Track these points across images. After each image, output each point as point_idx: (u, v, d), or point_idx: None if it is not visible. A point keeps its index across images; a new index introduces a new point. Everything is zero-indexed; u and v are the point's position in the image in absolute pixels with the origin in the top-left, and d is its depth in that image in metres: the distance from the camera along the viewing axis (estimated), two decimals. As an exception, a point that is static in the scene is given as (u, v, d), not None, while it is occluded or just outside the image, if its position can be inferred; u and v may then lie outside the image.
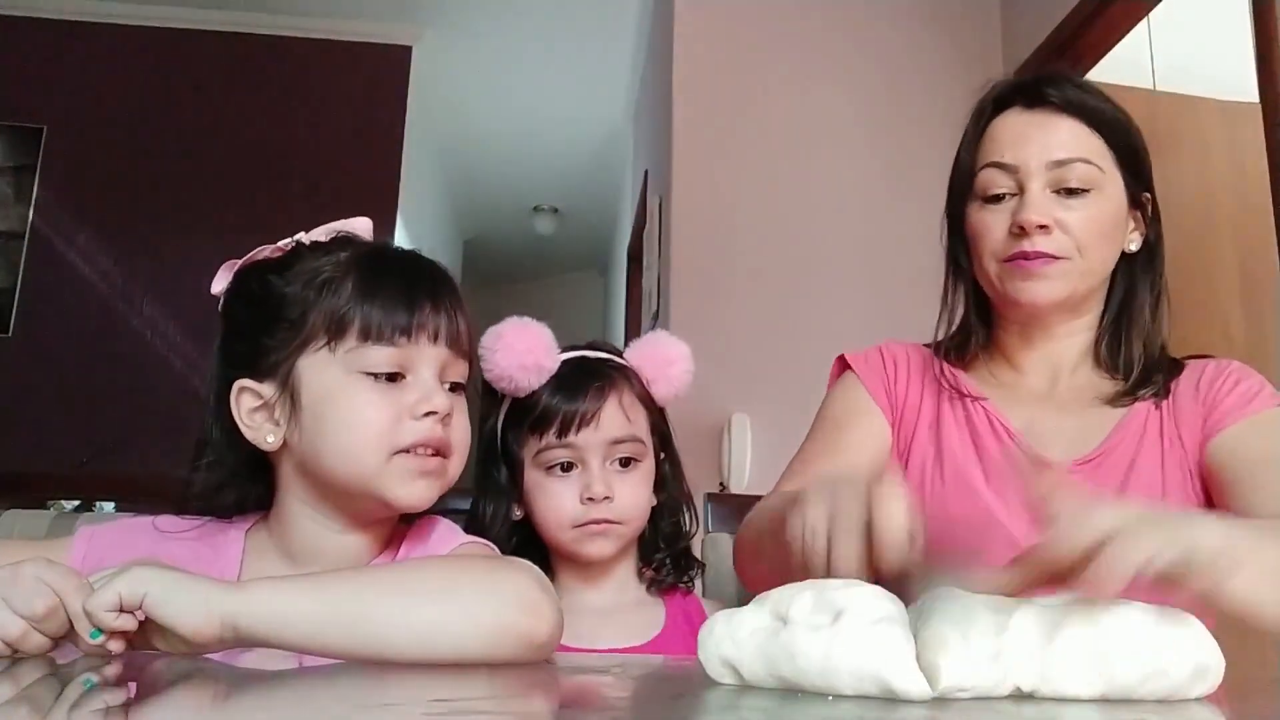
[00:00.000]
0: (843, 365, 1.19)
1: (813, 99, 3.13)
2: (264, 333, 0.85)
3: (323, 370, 0.83)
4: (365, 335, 0.83)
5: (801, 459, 1.12)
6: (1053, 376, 1.11)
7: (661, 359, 1.18)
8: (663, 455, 1.18)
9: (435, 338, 0.85)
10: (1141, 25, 2.66)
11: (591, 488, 1.09)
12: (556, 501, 1.10)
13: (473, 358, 0.91)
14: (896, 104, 3.13)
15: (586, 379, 1.12)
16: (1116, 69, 2.75)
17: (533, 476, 1.12)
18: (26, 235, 4.00)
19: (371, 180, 4.15)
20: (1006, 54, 3.10)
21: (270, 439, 0.85)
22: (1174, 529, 0.59)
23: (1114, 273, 1.09)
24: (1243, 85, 2.41)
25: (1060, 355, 1.10)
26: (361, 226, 0.93)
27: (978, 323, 1.14)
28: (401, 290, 0.85)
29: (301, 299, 0.84)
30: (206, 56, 4.29)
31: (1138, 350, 1.08)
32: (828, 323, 2.88)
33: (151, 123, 4.18)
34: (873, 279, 2.92)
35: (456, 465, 0.87)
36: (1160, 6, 2.54)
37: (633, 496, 1.12)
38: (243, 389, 0.86)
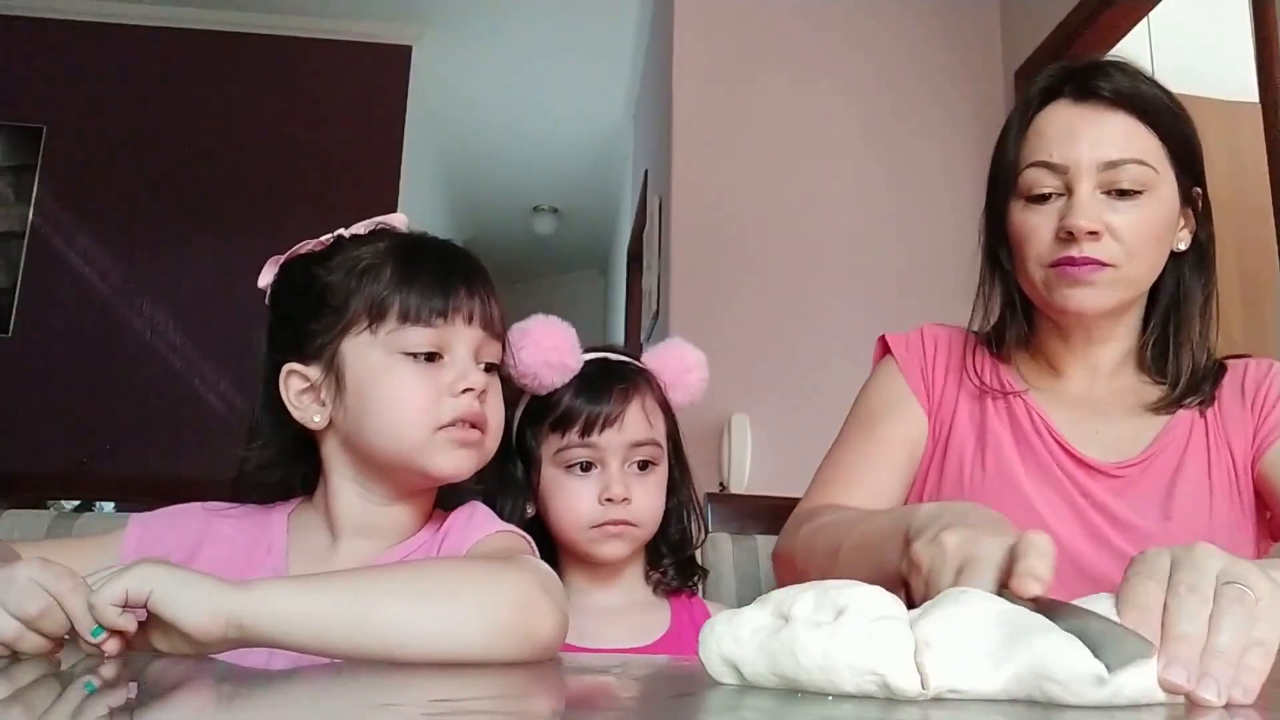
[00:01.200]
0: (884, 347, 1.15)
1: (812, 98, 3.14)
2: (309, 319, 0.90)
3: (365, 352, 0.88)
4: (404, 318, 0.87)
5: (837, 458, 1.09)
6: (1091, 379, 1.07)
7: (679, 365, 1.19)
8: (674, 461, 1.19)
9: (470, 320, 0.89)
10: (1141, 25, 2.66)
11: (611, 488, 1.09)
12: (574, 501, 1.10)
13: (505, 341, 0.95)
14: (896, 104, 3.13)
15: (611, 380, 1.12)
16: (1116, 69, 2.75)
17: (550, 474, 1.12)
18: (26, 235, 4.01)
19: (371, 179, 4.16)
20: (1006, 54, 3.10)
21: (317, 418, 0.90)
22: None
23: (1162, 273, 1.03)
24: (1242, 85, 2.41)
25: (1101, 358, 1.06)
26: (399, 221, 0.97)
27: (1017, 320, 1.09)
28: (437, 276, 0.89)
29: (343, 286, 0.89)
30: (207, 56, 4.29)
31: (1186, 358, 1.03)
32: (827, 323, 2.88)
33: (151, 123, 4.18)
34: (872, 279, 2.92)
35: (493, 441, 0.91)
36: (1160, 6, 2.54)
37: (649, 499, 1.12)
38: (291, 372, 0.90)
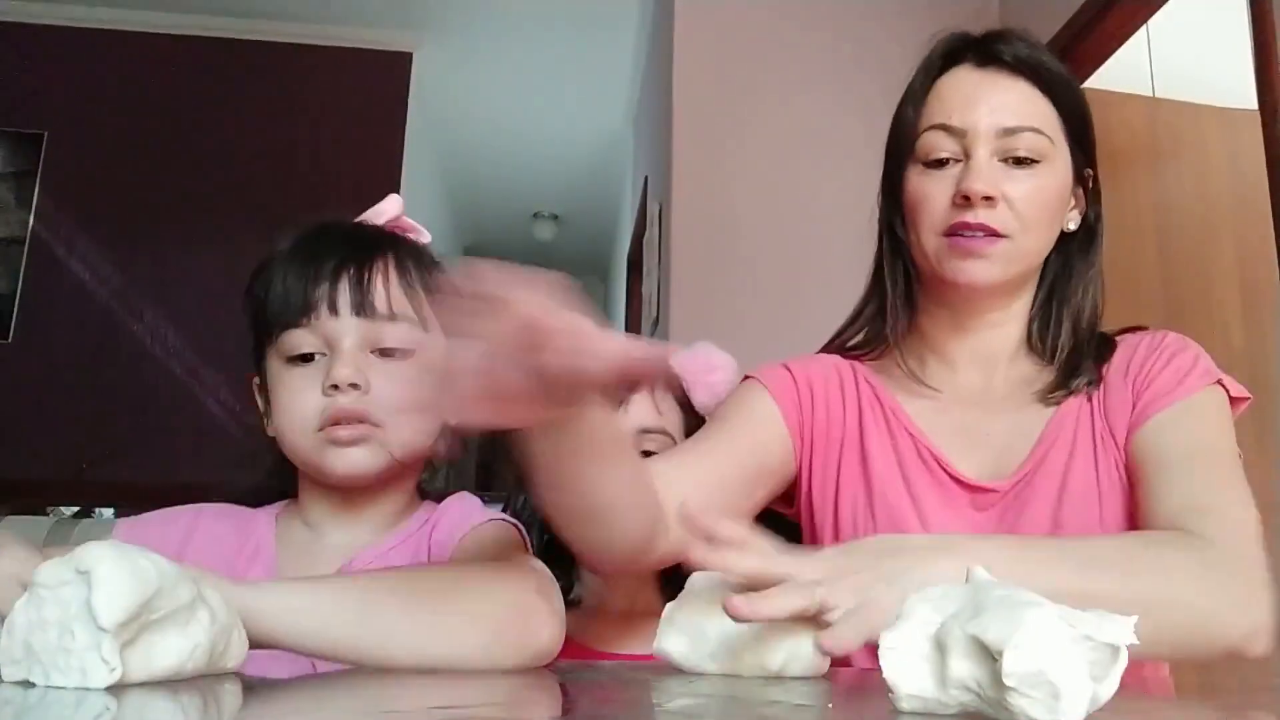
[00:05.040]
0: (751, 379, 1.07)
1: (812, 105, 3.14)
2: (253, 329, 0.91)
3: (271, 360, 0.88)
4: (279, 323, 0.86)
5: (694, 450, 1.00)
6: (987, 369, 1.02)
7: (704, 365, 1.19)
8: None
9: (339, 310, 0.85)
10: (1141, 32, 2.66)
11: None
12: None
13: (424, 319, 0.88)
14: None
15: None
16: (1116, 76, 2.76)
17: None
18: (27, 241, 4.01)
19: (371, 186, 4.12)
20: (1006, 61, 3.11)
21: (269, 429, 0.91)
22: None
23: (1050, 253, 1.01)
24: (1242, 92, 2.41)
25: (994, 345, 1.02)
26: (388, 207, 0.96)
27: (903, 306, 1.05)
28: (304, 271, 0.86)
29: (256, 294, 0.90)
30: (207, 63, 4.30)
31: (1066, 332, 1.00)
32: (827, 329, 2.88)
33: (152, 129, 4.19)
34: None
35: (403, 430, 0.86)
36: (1159, 13, 2.54)
37: None
38: (255, 384, 0.93)
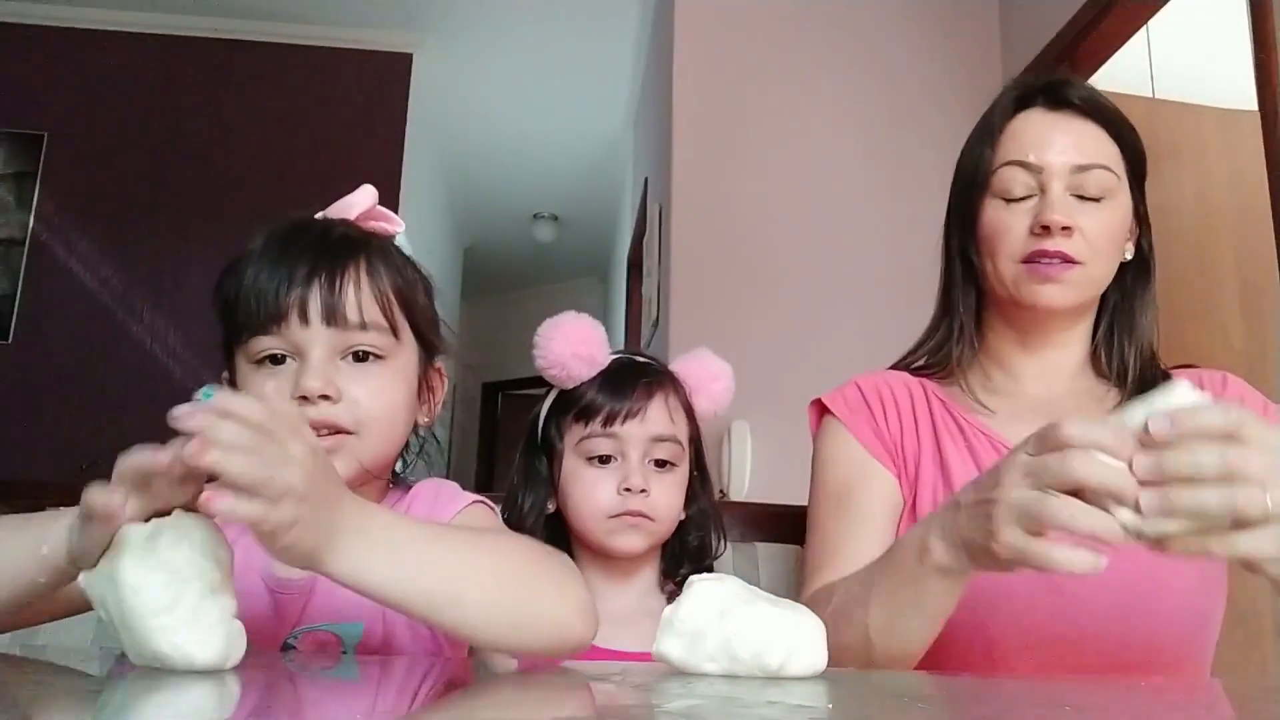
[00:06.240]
0: (820, 409, 1.13)
1: (812, 107, 3.14)
2: (222, 326, 0.88)
3: (240, 360, 0.85)
4: (248, 326, 0.83)
5: (821, 541, 1.06)
6: (1052, 384, 1.09)
7: (706, 373, 1.22)
8: (695, 470, 1.20)
9: (322, 318, 0.82)
10: (1140, 33, 2.67)
11: (630, 479, 1.11)
12: (593, 490, 1.12)
13: (395, 325, 0.86)
14: (895, 113, 3.14)
15: (636, 376, 1.15)
16: (1116, 77, 2.76)
17: (571, 465, 1.14)
18: (27, 242, 4.01)
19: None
20: (1005, 62, 3.11)
21: None
22: None
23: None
24: (1242, 93, 2.41)
25: (1059, 364, 1.09)
26: (360, 199, 0.93)
27: (973, 328, 1.12)
28: (274, 276, 0.83)
29: (226, 293, 0.86)
30: (207, 64, 4.30)
31: (1132, 355, 1.07)
32: (828, 329, 2.89)
33: (152, 130, 4.19)
34: (872, 286, 2.92)
35: (371, 437, 0.84)
36: (1159, 14, 2.55)
37: (667, 496, 1.14)
38: (224, 380, 0.88)
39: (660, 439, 1.13)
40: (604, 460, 1.13)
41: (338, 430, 0.82)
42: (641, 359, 1.21)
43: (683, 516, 1.18)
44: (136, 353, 3.98)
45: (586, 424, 1.13)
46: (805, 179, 3.07)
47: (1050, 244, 1.00)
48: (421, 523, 0.73)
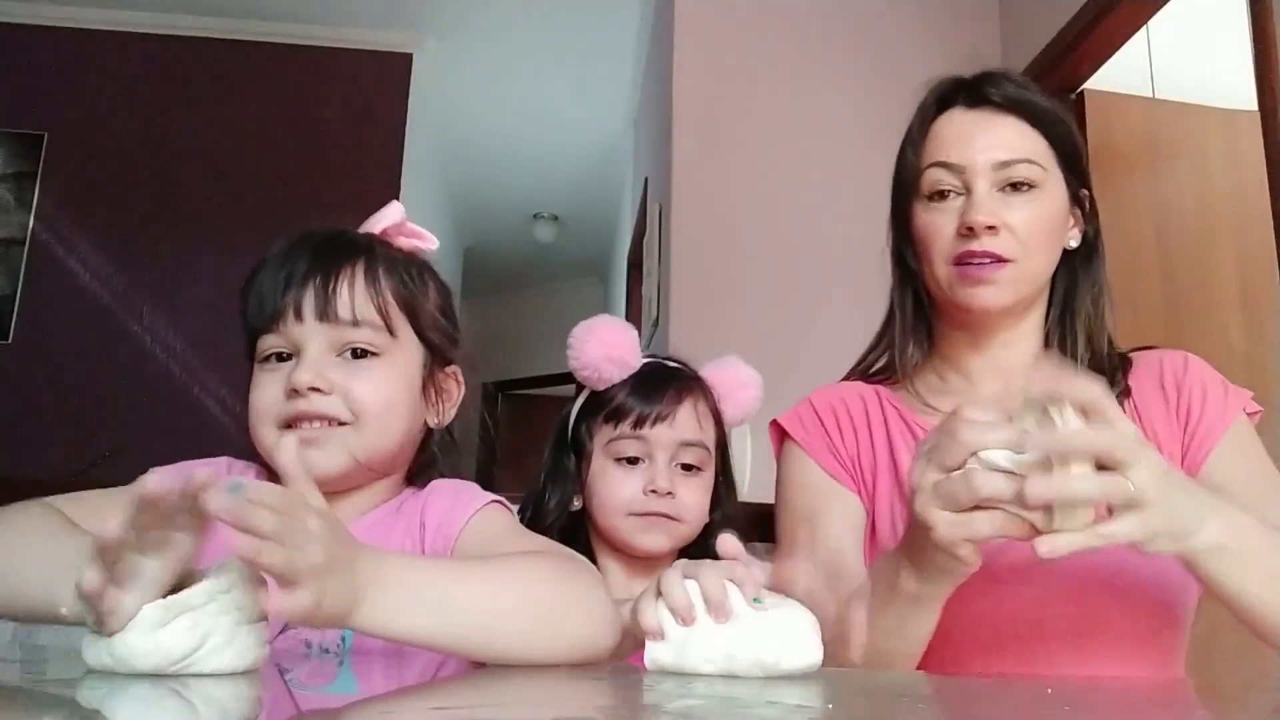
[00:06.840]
0: (780, 432, 1.14)
1: (813, 107, 3.14)
2: (244, 331, 0.93)
3: (254, 361, 0.91)
4: (256, 326, 0.89)
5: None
6: (1006, 380, 1.07)
7: (734, 381, 1.24)
8: (720, 475, 1.22)
9: (303, 316, 0.87)
10: (1141, 33, 2.66)
11: (656, 481, 1.13)
12: (619, 488, 1.14)
13: (391, 324, 0.90)
14: (896, 114, 3.11)
15: (667, 381, 1.18)
16: (1116, 77, 2.76)
17: (599, 463, 1.17)
18: (27, 242, 4.01)
19: (372, 187, 4.15)
20: (1005, 62, 3.11)
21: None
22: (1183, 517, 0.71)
23: (1055, 272, 1.08)
24: (1242, 93, 2.41)
25: (1011, 359, 1.08)
26: (386, 215, 0.98)
27: (921, 329, 1.12)
28: (276, 278, 0.89)
29: (243, 298, 0.92)
30: (207, 64, 4.30)
31: (1083, 345, 1.07)
32: (828, 330, 2.88)
33: (152, 130, 4.19)
34: (872, 287, 2.92)
35: (363, 428, 0.87)
36: (1159, 15, 2.55)
37: (693, 498, 1.16)
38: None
39: (688, 444, 1.16)
40: (632, 461, 1.15)
41: (329, 421, 0.86)
42: (673, 364, 1.23)
43: (707, 520, 1.19)
44: (136, 353, 3.98)
45: (616, 425, 1.16)
46: (806, 179, 3.07)
47: (977, 244, 1.00)
48: (439, 562, 0.75)
